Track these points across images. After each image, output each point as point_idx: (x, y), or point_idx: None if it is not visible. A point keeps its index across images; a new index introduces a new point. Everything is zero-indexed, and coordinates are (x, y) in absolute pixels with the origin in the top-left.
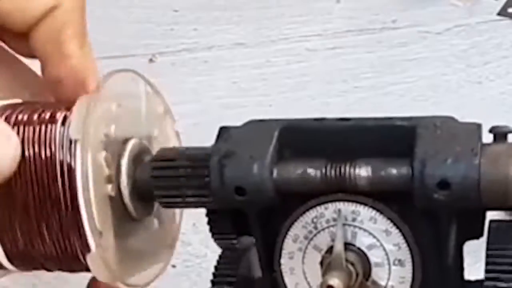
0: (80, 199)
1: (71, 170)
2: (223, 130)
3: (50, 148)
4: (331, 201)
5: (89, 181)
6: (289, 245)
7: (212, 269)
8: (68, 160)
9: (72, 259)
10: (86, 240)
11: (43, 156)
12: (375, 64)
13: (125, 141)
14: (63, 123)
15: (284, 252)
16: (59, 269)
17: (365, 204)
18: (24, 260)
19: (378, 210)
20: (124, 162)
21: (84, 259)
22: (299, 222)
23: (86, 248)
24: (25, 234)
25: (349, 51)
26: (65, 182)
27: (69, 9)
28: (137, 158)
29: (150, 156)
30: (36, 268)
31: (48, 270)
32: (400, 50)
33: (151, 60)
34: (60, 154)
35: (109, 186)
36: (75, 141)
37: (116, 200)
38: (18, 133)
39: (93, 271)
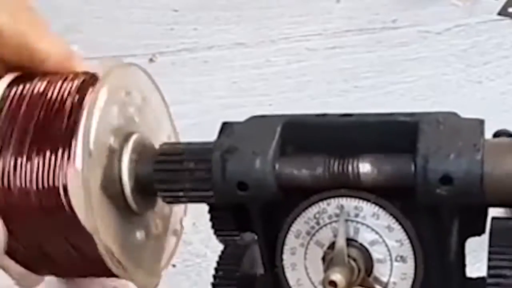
0: (83, 113)
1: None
2: (225, 126)
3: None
4: (333, 197)
5: (96, 105)
6: (291, 240)
7: (212, 269)
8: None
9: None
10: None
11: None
12: (375, 64)
13: (128, 135)
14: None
15: (286, 247)
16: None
17: (368, 200)
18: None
19: (381, 206)
20: (126, 156)
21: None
22: (301, 217)
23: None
24: (15, 153)
25: (349, 50)
26: (73, 105)
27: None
28: (139, 153)
29: (152, 151)
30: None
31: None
32: (400, 50)
33: (151, 60)
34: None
35: (113, 138)
36: (95, 77)
37: (117, 193)
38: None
39: (71, 191)
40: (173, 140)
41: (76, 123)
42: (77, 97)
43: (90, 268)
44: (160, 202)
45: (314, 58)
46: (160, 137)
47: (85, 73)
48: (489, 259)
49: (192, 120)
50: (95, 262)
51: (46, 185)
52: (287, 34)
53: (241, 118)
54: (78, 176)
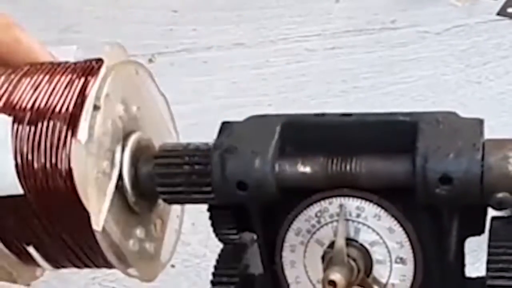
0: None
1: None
2: (225, 125)
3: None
4: (336, 196)
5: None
6: (291, 238)
7: (211, 269)
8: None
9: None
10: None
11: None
12: (375, 64)
13: (128, 134)
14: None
15: (286, 245)
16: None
17: (370, 201)
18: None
19: (383, 207)
20: (127, 156)
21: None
22: (302, 215)
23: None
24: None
25: (349, 51)
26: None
27: None
28: (139, 152)
29: (152, 151)
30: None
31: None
32: (400, 50)
33: (150, 60)
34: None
35: (113, 136)
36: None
37: (118, 194)
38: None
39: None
40: (173, 140)
41: (78, 115)
42: (79, 88)
43: (86, 258)
44: (160, 201)
45: (313, 58)
46: (160, 137)
47: (85, 63)
48: (489, 260)
49: (191, 120)
50: (93, 252)
51: (50, 167)
52: (286, 35)
53: (241, 118)
54: (82, 160)
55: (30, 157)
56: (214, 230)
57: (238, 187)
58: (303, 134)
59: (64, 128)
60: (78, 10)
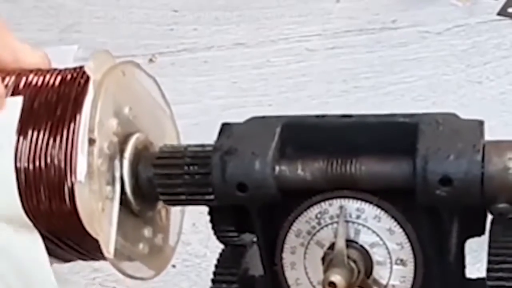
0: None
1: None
2: (225, 127)
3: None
4: (336, 198)
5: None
6: (291, 239)
7: (212, 269)
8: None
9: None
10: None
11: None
12: (375, 64)
13: (124, 141)
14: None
15: (286, 246)
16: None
17: (370, 202)
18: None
19: (383, 209)
20: (126, 168)
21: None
22: (302, 217)
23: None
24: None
25: (349, 51)
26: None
27: None
28: (140, 154)
29: (152, 153)
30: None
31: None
32: (400, 50)
33: (150, 60)
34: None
35: (113, 140)
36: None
37: (122, 208)
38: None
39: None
40: (175, 140)
41: (74, 150)
42: (74, 98)
43: (95, 257)
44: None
45: (313, 58)
46: (161, 137)
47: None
48: (489, 261)
49: (192, 120)
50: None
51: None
52: (287, 34)
53: (241, 118)
54: (83, 185)
55: (32, 188)
56: (215, 231)
57: (238, 188)
58: (303, 135)
59: (62, 164)
60: (79, 10)
